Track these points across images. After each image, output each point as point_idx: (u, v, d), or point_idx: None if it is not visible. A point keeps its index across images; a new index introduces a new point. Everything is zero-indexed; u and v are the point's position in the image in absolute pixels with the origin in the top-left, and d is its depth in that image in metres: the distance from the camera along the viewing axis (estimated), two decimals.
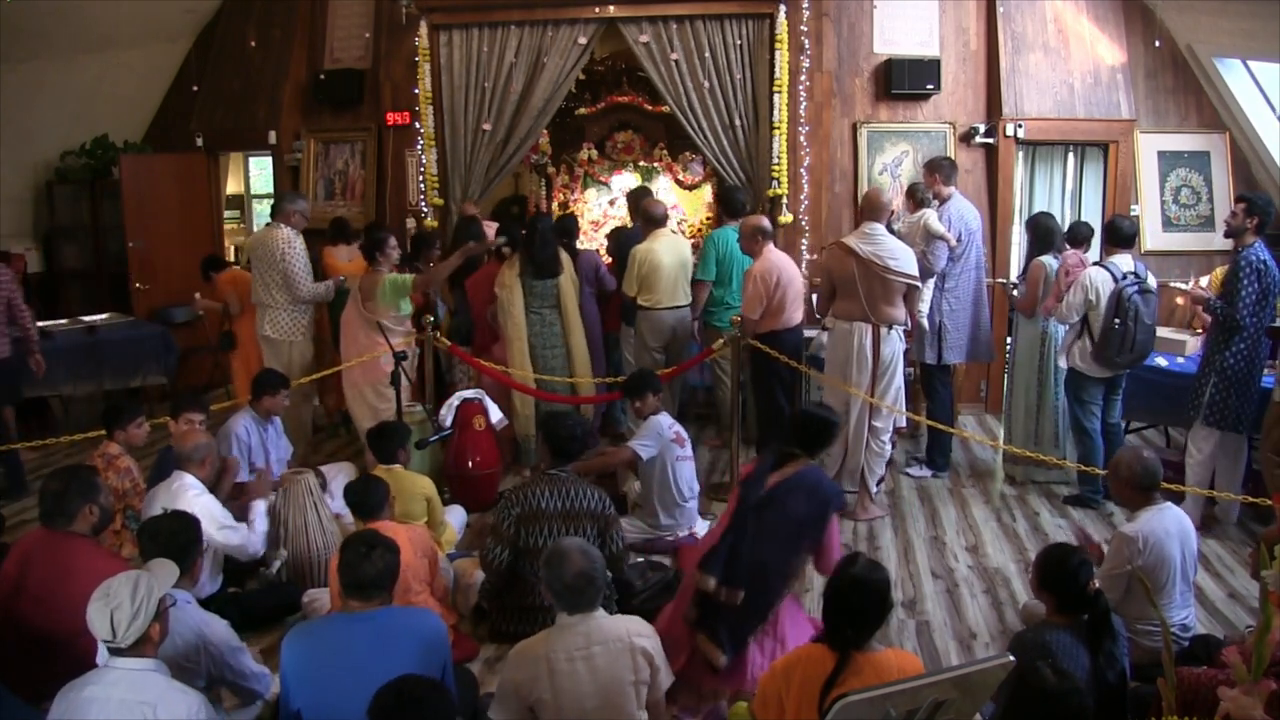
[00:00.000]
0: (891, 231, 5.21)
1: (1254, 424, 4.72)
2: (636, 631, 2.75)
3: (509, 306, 5.61)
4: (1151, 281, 5.08)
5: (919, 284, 5.04)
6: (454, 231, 6.68)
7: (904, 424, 5.12)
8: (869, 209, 5.06)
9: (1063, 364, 5.22)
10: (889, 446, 5.14)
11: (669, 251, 5.72)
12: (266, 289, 5.75)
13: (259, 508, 4.18)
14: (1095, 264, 5.09)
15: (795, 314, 5.36)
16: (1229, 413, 4.64)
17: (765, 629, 3.26)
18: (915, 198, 5.73)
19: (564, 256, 5.75)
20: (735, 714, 3.25)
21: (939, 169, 5.70)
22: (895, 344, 4.96)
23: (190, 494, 3.71)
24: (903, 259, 4.90)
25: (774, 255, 5.31)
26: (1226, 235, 4.84)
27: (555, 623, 2.73)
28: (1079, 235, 5.48)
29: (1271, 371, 4.88)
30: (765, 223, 5.43)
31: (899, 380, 5.04)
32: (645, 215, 6.06)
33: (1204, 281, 5.71)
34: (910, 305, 5.05)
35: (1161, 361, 5.44)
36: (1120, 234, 5.07)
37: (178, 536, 2.94)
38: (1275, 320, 4.76)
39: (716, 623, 3.21)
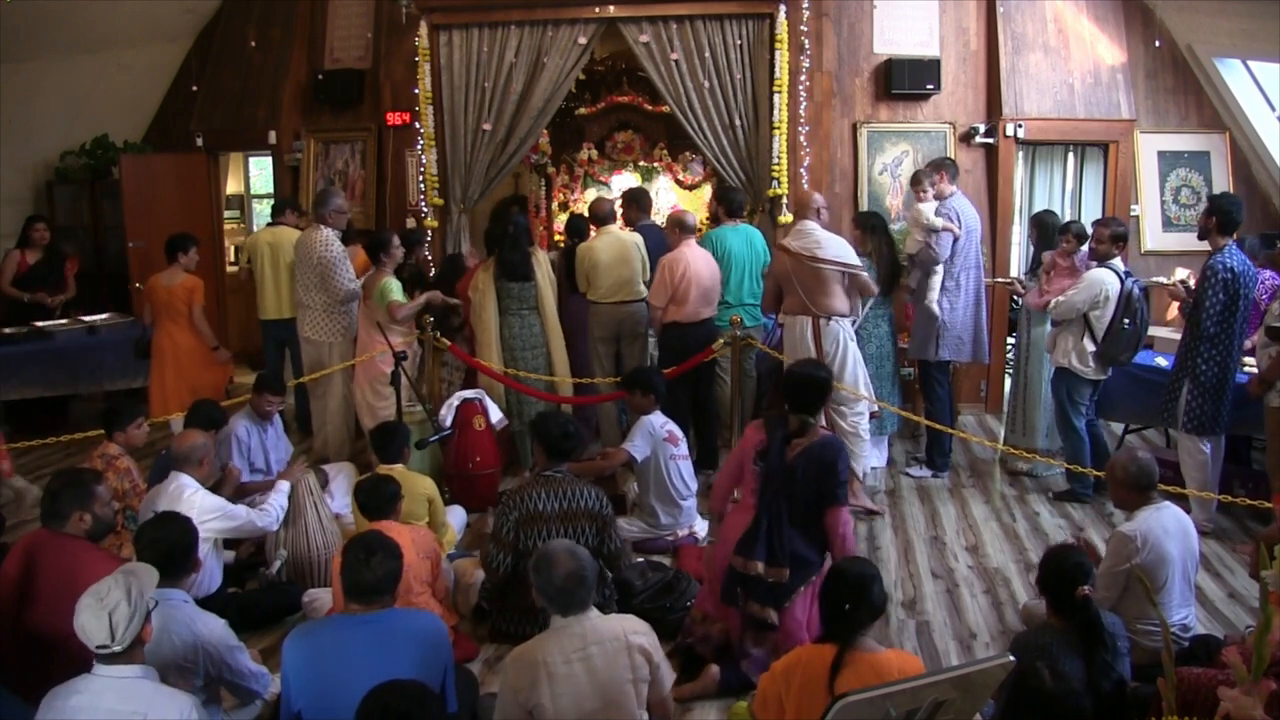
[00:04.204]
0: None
1: (1235, 424, 4.81)
2: (632, 629, 2.74)
3: (480, 310, 5.64)
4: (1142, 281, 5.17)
5: (859, 270, 5.08)
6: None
7: (874, 408, 5.21)
8: (798, 209, 5.32)
9: (1061, 361, 5.23)
10: (864, 425, 5.13)
11: (607, 249, 5.72)
12: (306, 290, 5.72)
13: (282, 486, 4.20)
14: (1097, 264, 5.13)
15: (703, 309, 5.51)
16: (1206, 419, 4.72)
17: (805, 589, 3.43)
18: (920, 185, 5.75)
19: (542, 257, 5.76)
20: (734, 714, 3.26)
21: (946, 167, 5.75)
22: (839, 333, 5.03)
23: (187, 494, 3.71)
24: (829, 247, 5.00)
25: (687, 249, 5.49)
26: (1200, 237, 4.90)
27: (549, 626, 2.72)
28: (1074, 232, 5.49)
29: (1245, 370, 4.90)
30: (689, 218, 5.67)
31: (853, 365, 5.08)
32: (591, 213, 6.09)
33: (1183, 274, 5.71)
34: (863, 290, 5.12)
35: (1161, 361, 5.44)
36: (1122, 236, 5.19)
37: (174, 544, 2.92)
38: (1246, 327, 4.77)
39: (762, 591, 3.43)
